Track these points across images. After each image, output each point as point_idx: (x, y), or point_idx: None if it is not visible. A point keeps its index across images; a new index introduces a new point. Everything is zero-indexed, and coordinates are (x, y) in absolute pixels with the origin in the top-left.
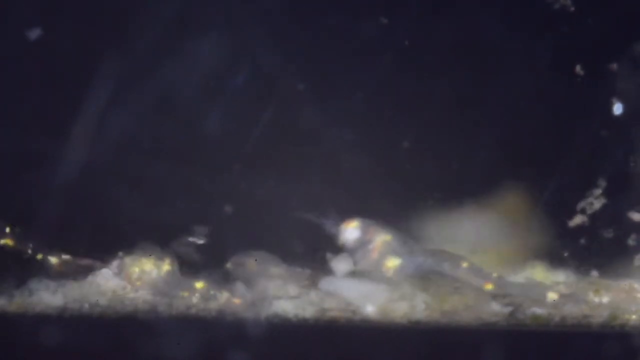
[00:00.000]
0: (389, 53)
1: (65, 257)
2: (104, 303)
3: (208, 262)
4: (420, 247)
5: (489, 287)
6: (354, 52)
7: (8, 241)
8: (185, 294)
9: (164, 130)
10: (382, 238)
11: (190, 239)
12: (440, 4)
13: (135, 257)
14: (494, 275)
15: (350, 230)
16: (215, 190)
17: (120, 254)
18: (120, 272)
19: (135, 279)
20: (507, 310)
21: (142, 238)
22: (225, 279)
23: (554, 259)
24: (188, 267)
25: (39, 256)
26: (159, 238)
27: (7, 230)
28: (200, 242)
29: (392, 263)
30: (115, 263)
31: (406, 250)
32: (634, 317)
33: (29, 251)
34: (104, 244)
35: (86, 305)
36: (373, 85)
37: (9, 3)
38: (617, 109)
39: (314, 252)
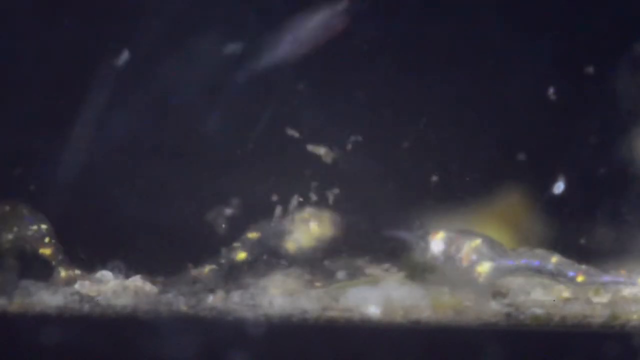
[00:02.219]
0: (389, 53)
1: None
2: (104, 303)
3: (208, 262)
4: (507, 248)
5: (581, 279)
6: (354, 52)
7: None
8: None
9: (164, 130)
10: (470, 244)
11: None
12: (440, 4)
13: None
14: (584, 267)
15: (438, 242)
16: (215, 190)
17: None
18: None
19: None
20: (507, 310)
21: (142, 238)
22: (225, 279)
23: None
24: (188, 267)
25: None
26: (159, 238)
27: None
28: (201, 242)
29: (484, 268)
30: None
31: (495, 253)
32: (634, 317)
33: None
34: (104, 244)
35: (86, 305)
36: (373, 85)
37: (10, 3)
38: (558, 187)
39: (314, 252)
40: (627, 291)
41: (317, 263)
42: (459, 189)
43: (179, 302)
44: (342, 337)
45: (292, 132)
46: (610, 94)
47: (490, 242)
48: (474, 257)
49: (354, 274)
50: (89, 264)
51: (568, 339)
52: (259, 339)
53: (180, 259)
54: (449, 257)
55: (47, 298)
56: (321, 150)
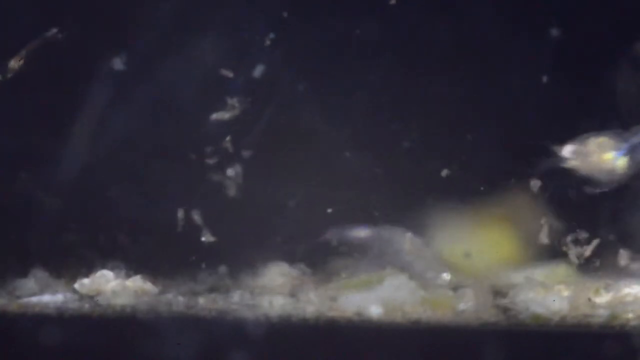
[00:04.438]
0: (389, 53)
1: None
2: (104, 303)
3: (208, 262)
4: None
5: None
6: (354, 52)
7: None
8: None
9: (164, 130)
10: (595, 143)
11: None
12: (440, 4)
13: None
14: None
15: (567, 150)
16: (214, 190)
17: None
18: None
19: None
20: (507, 310)
21: (142, 238)
22: (225, 279)
23: (554, 259)
24: (188, 267)
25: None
26: (159, 238)
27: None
28: (201, 242)
29: (609, 156)
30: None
31: (620, 140)
32: (634, 317)
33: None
34: (104, 244)
35: (86, 305)
36: (373, 85)
37: (10, 2)
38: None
39: (314, 252)
40: (627, 291)
41: (317, 263)
42: (459, 188)
43: (179, 302)
44: (342, 337)
45: (292, 132)
46: (610, 94)
47: (611, 133)
48: (605, 153)
49: (354, 274)
50: (89, 264)
51: (568, 339)
52: (259, 339)
53: (180, 259)
54: (584, 161)
55: (47, 298)
56: (230, 74)
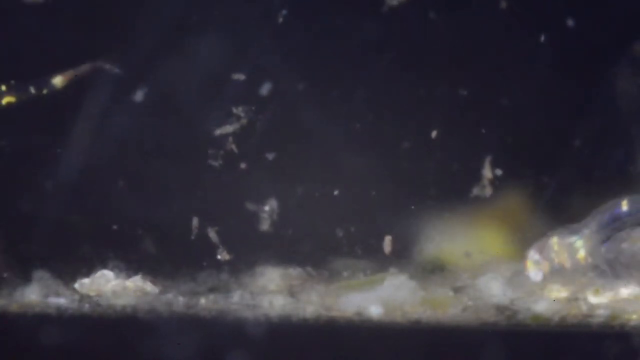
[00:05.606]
0: (389, 53)
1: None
2: (104, 303)
3: (209, 262)
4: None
5: None
6: (354, 52)
7: None
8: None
9: (165, 130)
10: (550, 246)
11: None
12: (441, 4)
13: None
14: None
15: (531, 269)
16: (215, 190)
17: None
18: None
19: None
20: (507, 310)
21: (142, 238)
22: (225, 279)
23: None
24: (187, 267)
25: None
26: (159, 238)
27: None
28: (202, 242)
29: (580, 253)
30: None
31: (573, 232)
32: (634, 317)
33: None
34: (104, 244)
35: (86, 305)
36: (373, 85)
37: (10, 2)
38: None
39: (314, 253)
40: (627, 291)
41: (317, 263)
42: (459, 188)
43: (179, 302)
44: (342, 337)
45: (292, 132)
46: (610, 94)
47: (562, 231)
48: (565, 253)
49: (355, 274)
50: (89, 264)
51: (568, 339)
52: (259, 339)
53: (181, 259)
54: (550, 270)
55: (47, 298)
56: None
